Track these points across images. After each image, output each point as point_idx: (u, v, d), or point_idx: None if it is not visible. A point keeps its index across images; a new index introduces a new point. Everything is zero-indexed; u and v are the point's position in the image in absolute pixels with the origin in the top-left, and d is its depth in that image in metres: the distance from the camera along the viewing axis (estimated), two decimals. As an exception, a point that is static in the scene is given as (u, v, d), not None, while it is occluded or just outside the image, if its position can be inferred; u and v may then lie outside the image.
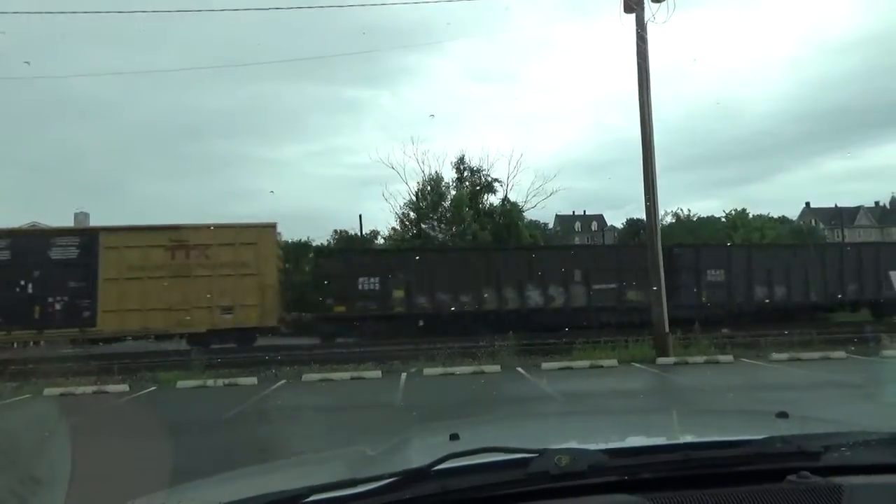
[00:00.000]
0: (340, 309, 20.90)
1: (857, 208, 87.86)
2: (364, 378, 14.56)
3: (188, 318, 19.59)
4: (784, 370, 14.00)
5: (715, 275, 22.87)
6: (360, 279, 21.07)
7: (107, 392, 13.62)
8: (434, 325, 21.65)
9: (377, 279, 21.18)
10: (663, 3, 15.59)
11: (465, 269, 21.75)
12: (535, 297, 21.95)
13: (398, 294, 21.29)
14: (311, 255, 29.32)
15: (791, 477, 1.35)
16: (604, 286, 22.02)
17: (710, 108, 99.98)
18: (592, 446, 1.53)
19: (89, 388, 13.83)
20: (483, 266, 22.09)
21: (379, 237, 43.17)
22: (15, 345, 23.37)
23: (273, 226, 21.05)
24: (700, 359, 15.52)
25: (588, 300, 22.00)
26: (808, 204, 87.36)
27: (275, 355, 17.31)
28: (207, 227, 20.58)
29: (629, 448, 1.75)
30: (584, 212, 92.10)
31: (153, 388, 14.19)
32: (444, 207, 33.85)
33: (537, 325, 20.33)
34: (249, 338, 20.11)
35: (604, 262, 22.61)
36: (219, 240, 20.02)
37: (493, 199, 35.39)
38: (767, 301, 22.95)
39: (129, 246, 19.78)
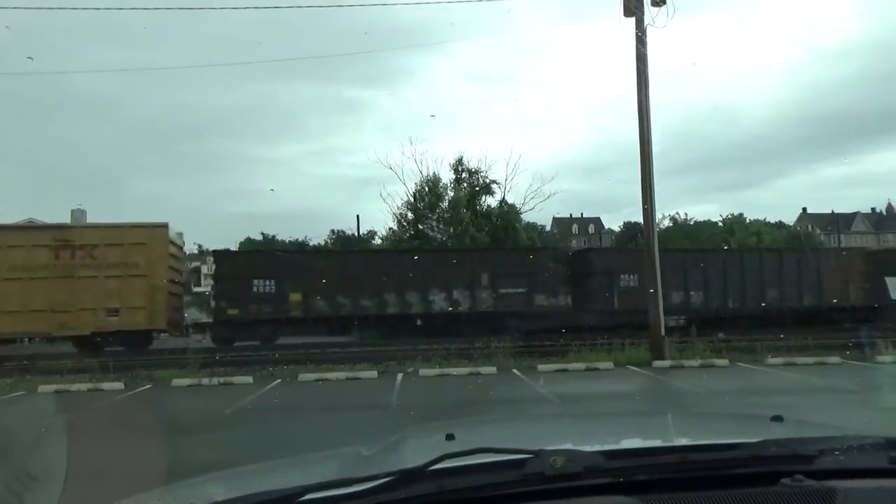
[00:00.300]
0: (233, 312, 20.33)
1: (854, 214, 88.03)
2: (360, 378, 14.56)
3: (72, 320, 18.82)
4: (779, 374, 14.04)
5: (628, 280, 22.34)
6: (255, 281, 20.54)
7: (102, 390, 13.61)
8: (334, 328, 21.48)
9: (272, 282, 20.69)
10: (663, 8, 15.65)
11: (366, 273, 21.21)
12: (439, 300, 21.41)
13: (295, 297, 20.72)
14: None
15: (785, 480, 1.36)
16: (512, 290, 21.56)
17: (707, 112, 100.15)
18: (588, 448, 1.53)
19: (84, 386, 13.82)
20: (386, 269, 21.54)
21: (376, 237, 43.23)
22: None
23: (164, 226, 20.30)
24: (695, 362, 15.55)
25: (495, 305, 21.50)
26: (804, 209, 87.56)
27: (270, 354, 17.32)
28: (94, 226, 20.09)
29: (624, 450, 1.75)
30: (582, 214, 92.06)
31: (148, 385, 14.18)
32: (442, 208, 33.85)
33: (442, 330, 19.94)
34: (140, 340, 19.41)
35: (513, 266, 21.97)
36: (106, 240, 19.37)
37: (491, 201, 35.43)
38: (682, 307, 22.14)
39: (11, 245, 19.04)
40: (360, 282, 20.93)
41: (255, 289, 20.52)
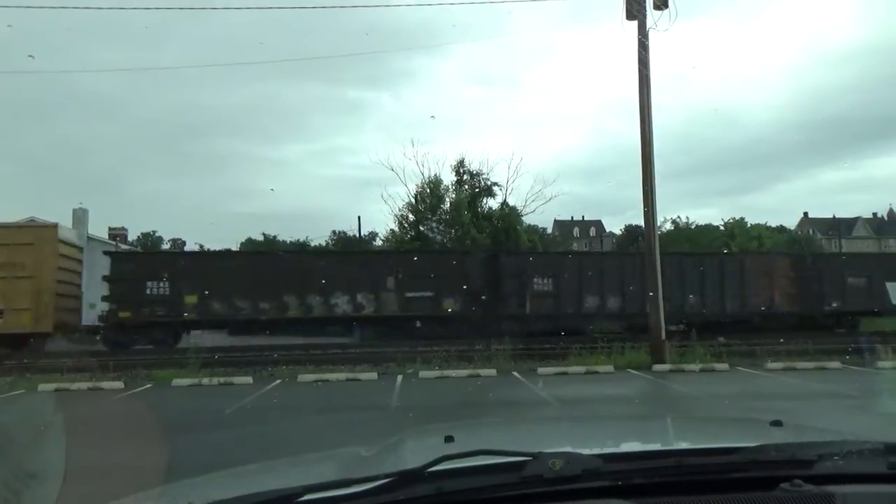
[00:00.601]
0: (125, 314, 19.47)
1: (856, 219, 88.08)
2: (360, 379, 14.56)
3: None
4: (779, 379, 14.01)
5: (542, 284, 21.60)
6: (149, 283, 19.70)
7: (102, 389, 13.61)
8: (235, 332, 21.09)
9: (167, 283, 19.85)
10: (665, 11, 15.65)
11: (267, 275, 20.41)
12: (342, 304, 20.71)
13: (191, 300, 19.88)
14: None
15: (784, 485, 1.36)
16: (419, 294, 20.89)
17: (707, 116, 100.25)
18: (587, 451, 1.53)
19: (84, 385, 13.82)
20: (288, 271, 20.68)
21: (377, 239, 43.30)
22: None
23: (54, 226, 19.78)
24: (696, 366, 15.52)
25: (401, 308, 20.88)
26: (806, 214, 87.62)
27: (270, 355, 17.32)
28: None
29: (623, 453, 1.75)
30: (583, 217, 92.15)
31: (148, 385, 14.18)
32: (443, 210, 33.88)
33: (345, 334, 19.41)
34: (28, 343, 18.67)
35: (420, 269, 21.18)
36: None
37: (493, 203, 35.48)
38: (597, 312, 21.64)
39: None
40: (259, 284, 20.18)
41: (148, 291, 19.75)
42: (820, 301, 22.82)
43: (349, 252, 25.68)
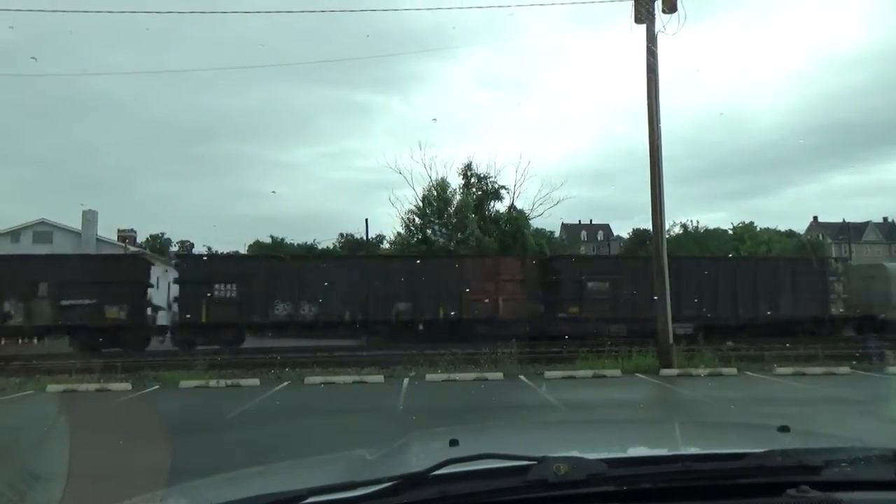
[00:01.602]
0: None
1: (866, 223, 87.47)
2: (366, 382, 14.58)
3: None
4: (787, 384, 13.94)
5: (224, 290, 20.57)
6: None
7: (109, 390, 13.66)
8: None
9: None
10: (673, 15, 15.62)
11: None
12: None
13: None
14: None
15: (791, 491, 1.34)
16: (78, 302, 19.74)
17: (715, 119, 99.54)
18: (592, 455, 1.52)
19: (92, 386, 13.87)
20: None
21: (385, 241, 43.37)
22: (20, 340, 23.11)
23: None
24: (703, 371, 15.44)
25: (55, 318, 19.84)
26: (815, 218, 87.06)
27: (277, 357, 17.37)
28: None
29: (629, 458, 1.74)
30: (591, 221, 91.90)
31: (156, 387, 14.23)
32: (450, 213, 33.89)
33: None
34: None
35: (81, 275, 20.01)
36: None
37: (500, 207, 35.47)
38: (290, 320, 21.11)
39: None
40: None
41: None
42: (555, 307, 21.58)
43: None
